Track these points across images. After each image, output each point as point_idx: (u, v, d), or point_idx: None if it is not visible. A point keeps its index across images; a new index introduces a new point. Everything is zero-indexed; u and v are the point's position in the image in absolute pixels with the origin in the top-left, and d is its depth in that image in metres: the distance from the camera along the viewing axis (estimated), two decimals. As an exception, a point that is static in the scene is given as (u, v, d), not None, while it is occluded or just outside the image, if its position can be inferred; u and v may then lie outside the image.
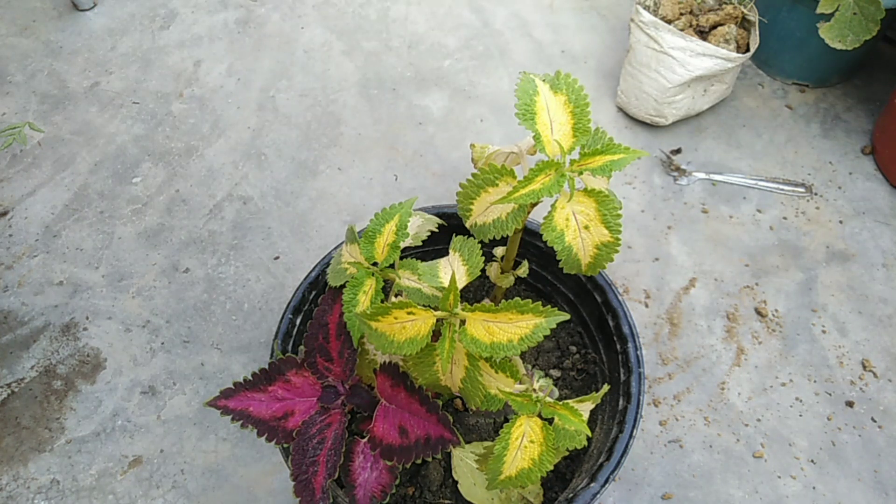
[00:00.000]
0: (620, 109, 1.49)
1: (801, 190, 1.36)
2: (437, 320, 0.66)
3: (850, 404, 1.11)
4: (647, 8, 1.38)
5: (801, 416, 1.10)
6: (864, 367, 1.15)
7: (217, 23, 1.68)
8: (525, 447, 0.66)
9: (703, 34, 1.36)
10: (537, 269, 1.02)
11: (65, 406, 1.12)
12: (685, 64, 1.29)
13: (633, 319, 0.88)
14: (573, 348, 1.01)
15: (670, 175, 1.39)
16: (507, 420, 0.67)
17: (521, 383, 0.70)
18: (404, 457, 0.69)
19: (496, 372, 0.70)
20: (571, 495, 0.77)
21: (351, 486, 0.72)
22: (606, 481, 0.76)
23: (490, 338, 0.64)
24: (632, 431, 0.80)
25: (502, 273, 0.85)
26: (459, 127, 1.48)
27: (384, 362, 0.75)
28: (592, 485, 0.76)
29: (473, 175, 0.70)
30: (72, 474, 1.05)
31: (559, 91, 0.68)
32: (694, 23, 1.37)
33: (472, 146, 0.84)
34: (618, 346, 0.88)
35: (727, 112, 1.49)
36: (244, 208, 1.35)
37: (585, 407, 0.71)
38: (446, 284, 0.68)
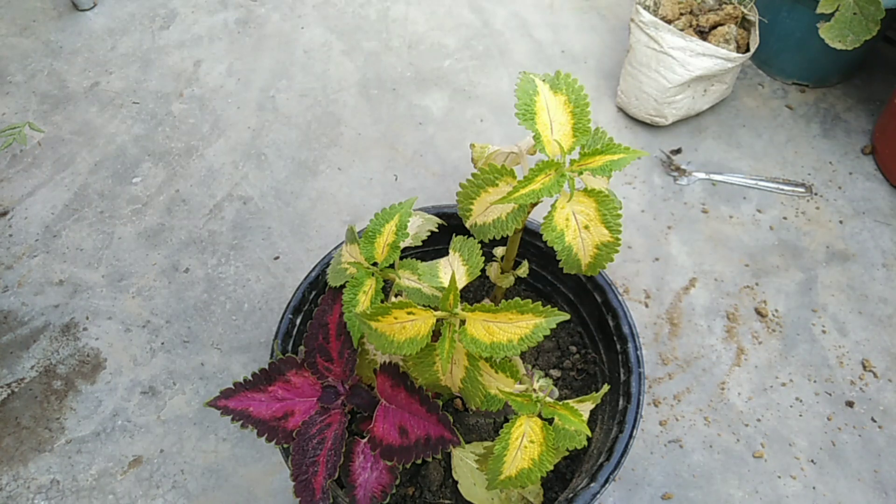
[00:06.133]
0: (620, 109, 1.49)
1: (801, 190, 1.36)
2: (437, 320, 0.66)
3: (850, 404, 1.11)
4: (647, 8, 1.38)
5: (801, 416, 1.10)
6: (864, 367, 1.15)
7: (217, 23, 1.68)
8: (525, 447, 0.66)
9: (703, 34, 1.36)
10: (537, 269, 1.02)
11: (65, 406, 1.12)
12: (685, 64, 1.29)
13: (633, 319, 0.88)
14: (573, 348, 1.01)
15: (670, 175, 1.39)
16: (507, 420, 0.67)
17: (521, 383, 0.70)
18: (404, 457, 0.69)
19: (496, 372, 0.70)
20: (571, 495, 0.77)
21: (351, 486, 0.72)
22: (606, 481, 0.76)
23: (490, 338, 0.64)
24: (632, 431, 0.80)
25: (502, 273, 0.85)
26: (459, 127, 1.48)
27: (384, 362, 0.75)
28: (592, 485, 0.76)
29: (473, 175, 0.70)
30: (72, 474, 1.05)
31: (559, 91, 0.68)
32: (694, 23, 1.37)
33: (472, 146, 0.84)
34: (618, 346, 0.88)
35: (727, 112, 1.49)
36: (244, 208, 1.35)
37: (585, 407, 0.71)
38: (446, 284, 0.68)
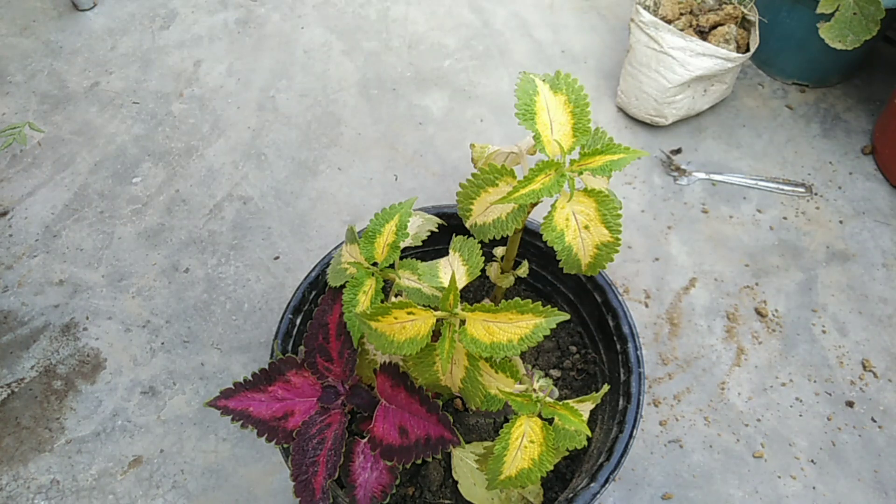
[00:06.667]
0: (620, 109, 1.49)
1: (801, 190, 1.36)
2: (437, 320, 0.66)
3: (850, 404, 1.11)
4: (647, 8, 1.38)
5: (801, 416, 1.10)
6: (864, 367, 1.15)
7: (217, 23, 1.68)
8: (525, 447, 0.66)
9: (703, 34, 1.36)
10: (537, 269, 1.02)
11: (65, 406, 1.12)
12: (685, 64, 1.29)
13: (633, 319, 0.88)
14: (573, 348, 1.01)
15: (670, 175, 1.39)
16: (507, 420, 0.67)
17: (521, 383, 0.70)
18: (404, 457, 0.69)
19: (496, 372, 0.70)
20: (571, 495, 0.77)
21: (351, 486, 0.72)
22: (606, 481, 0.76)
23: (490, 338, 0.64)
24: (632, 431, 0.80)
25: (502, 273, 0.85)
26: (459, 127, 1.48)
27: (384, 362, 0.75)
28: (592, 485, 0.76)
29: (473, 175, 0.70)
30: (72, 474, 1.05)
31: (559, 91, 0.68)
32: (694, 23, 1.37)
33: (472, 146, 0.84)
34: (618, 346, 0.88)
35: (727, 112, 1.49)
36: (244, 208, 1.35)
37: (585, 407, 0.71)
38: (446, 284, 0.68)
